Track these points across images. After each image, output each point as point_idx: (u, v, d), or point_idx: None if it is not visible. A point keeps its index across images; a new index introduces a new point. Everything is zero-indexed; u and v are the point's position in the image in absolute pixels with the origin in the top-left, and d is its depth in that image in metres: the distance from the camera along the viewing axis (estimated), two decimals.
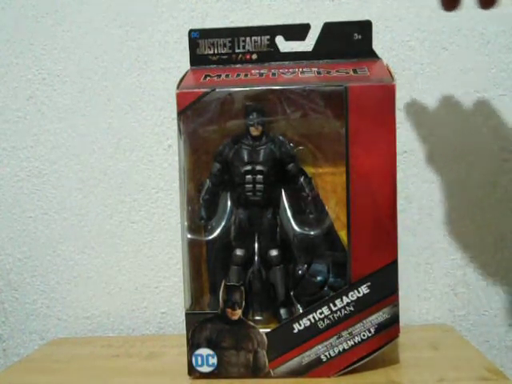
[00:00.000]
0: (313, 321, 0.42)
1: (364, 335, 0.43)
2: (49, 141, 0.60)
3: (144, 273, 0.60)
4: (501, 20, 0.56)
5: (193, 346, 0.44)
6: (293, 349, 0.43)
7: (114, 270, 0.60)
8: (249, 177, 0.44)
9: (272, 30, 0.46)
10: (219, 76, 0.45)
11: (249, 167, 0.44)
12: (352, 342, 0.43)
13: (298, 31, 0.46)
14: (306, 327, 0.42)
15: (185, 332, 0.43)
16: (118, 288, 0.60)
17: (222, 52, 0.47)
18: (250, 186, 0.44)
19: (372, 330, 0.42)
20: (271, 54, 0.47)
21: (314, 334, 0.42)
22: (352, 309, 0.42)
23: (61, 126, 0.60)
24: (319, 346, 0.43)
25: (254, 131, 0.44)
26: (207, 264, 0.47)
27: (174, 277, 0.59)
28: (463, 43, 0.56)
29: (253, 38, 0.46)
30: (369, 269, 0.42)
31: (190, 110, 0.44)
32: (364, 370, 0.43)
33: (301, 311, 0.44)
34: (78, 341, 0.58)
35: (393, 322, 0.43)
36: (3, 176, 0.61)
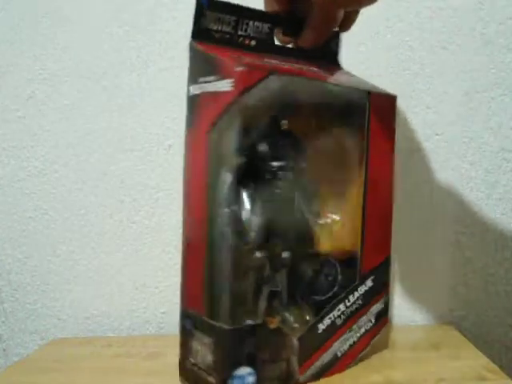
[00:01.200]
0: (332, 318, 0.42)
1: (367, 326, 0.44)
2: (49, 141, 0.60)
3: (144, 273, 0.60)
4: (501, 20, 0.56)
5: (230, 365, 0.37)
6: (317, 350, 0.42)
7: (114, 270, 0.60)
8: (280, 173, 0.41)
9: (273, 19, 0.43)
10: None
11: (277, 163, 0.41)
12: (359, 334, 0.44)
13: (297, 25, 0.43)
14: (327, 326, 0.42)
15: None
16: (118, 288, 0.60)
17: (226, 30, 0.41)
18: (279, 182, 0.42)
19: (372, 320, 0.45)
20: (268, 44, 0.43)
21: (333, 331, 0.43)
22: (361, 302, 0.44)
23: (61, 126, 0.60)
24: (336, 343, 0.43)
25: (285, 125, 0.42)
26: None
27: (174, 277, 0.59)
28: (463, 43, 0.56)
29: (255, 23, 0.42)
30: (372, 264, 0.44)
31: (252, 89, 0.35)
32: (364, 370, 0.43)
33: (310, 312, 0.43)
34: (78, 341, 0.58)
35: (386, 310, 0.46)
36: (3, 176, 0.61)
